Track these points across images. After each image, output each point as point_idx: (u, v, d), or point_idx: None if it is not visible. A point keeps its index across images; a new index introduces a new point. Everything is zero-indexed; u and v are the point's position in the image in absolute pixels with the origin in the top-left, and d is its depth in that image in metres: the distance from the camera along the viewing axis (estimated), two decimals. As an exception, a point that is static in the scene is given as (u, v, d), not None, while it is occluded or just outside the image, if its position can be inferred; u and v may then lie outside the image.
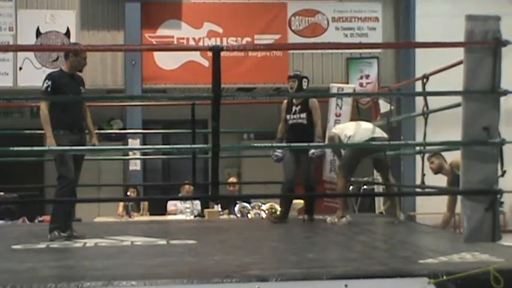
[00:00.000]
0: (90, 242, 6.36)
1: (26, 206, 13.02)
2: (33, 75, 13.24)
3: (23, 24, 13.76)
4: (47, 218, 9.28)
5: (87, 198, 11.85)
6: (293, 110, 8.34)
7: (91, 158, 9.54)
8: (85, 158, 7.15)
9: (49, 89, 6.73)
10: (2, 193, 12.45)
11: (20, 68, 13.58)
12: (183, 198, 12.94)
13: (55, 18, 13.86)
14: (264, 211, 11.12)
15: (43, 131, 6.72)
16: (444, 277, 4.17)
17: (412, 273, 4.28)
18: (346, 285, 4.12)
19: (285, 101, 8.58)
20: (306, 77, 8.51)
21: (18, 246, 6.21)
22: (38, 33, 13.74)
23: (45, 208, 13.49)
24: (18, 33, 13.71)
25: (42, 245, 6.23)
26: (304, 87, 8.41)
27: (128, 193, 12.31)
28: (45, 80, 6.81)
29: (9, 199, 12.60)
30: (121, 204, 12.02)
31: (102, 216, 12.27)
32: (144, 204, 12.37)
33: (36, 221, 11.49)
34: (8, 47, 13.19)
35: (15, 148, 6.10)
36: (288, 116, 8.36)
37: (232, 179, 12.92)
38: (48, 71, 13.49)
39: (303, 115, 8.22)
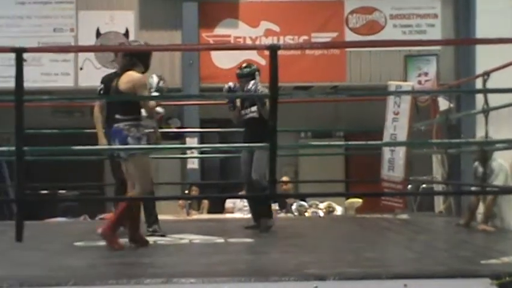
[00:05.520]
0: (149, 240, 6.43)
1: (87, 204, 13.21)
2: (93, 75, 13.39)
3: (83, 25, 13.95)
4: (108, 216, 9.40)
5: (146, 197, 11.95)
6: (245, 104, 7.63)
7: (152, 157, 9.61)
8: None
9: (101, 92, 6.94)
10: (63, 191, 12.68)
11: (81, 68, 13.78)
12: (241, 197, 12.95)
13: (114, 19, 14.03)
14: (322, 209, 11.09)
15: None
16: (507, 278, 4.10)
17: (474, 274, 4.23)
18: (405, 285, 4.08)
19: None
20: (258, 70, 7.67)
21: (79, 243, 6.32)
22: (98, 33, 13.93)
23: (105, 206, 13.67)
24: (79, 34, 13.92)
25: (103, 242, 6.32)
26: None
27: (187, 191, 12.35)
28: (100, 83, 7.04)
29: (71, 197, 12.81)
30: (180, 202, 12.09)
31: (160, 214, 12.34)
32: (204, 203, 12.42)
33: (97, 218, 11.64)
34: (69, 48, 13.40)
35: (76, 147, 6.21)
36: (242, 112, 7.67)
37: (285, 178, 12.87)
38: (108, 71, 13.74)
39: (253, 108, 7.48)
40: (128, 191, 6.20)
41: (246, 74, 7.58)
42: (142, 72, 6.00)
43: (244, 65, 7.74)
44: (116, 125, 5.91)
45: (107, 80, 7.00)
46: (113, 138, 5.97)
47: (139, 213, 6.34)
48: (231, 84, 7.52)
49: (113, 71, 7.25)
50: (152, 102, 5.96)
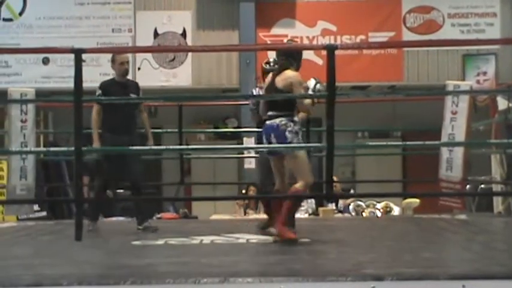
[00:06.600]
0: (206, 239, 6.47)
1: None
2: (151, 75, 13.55)
3: (141, 25, 14.11)
4: (165, 215, 9.52)
5: (203, 197, 12.08)
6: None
7: (206, 157, 9.64)
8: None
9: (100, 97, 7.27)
10: (121, 190, 12.80)
11: (139, 68, 13.92)
12: (297, 197, 12.94)
13: (172, 19, 14.16)
14: (379, 209, 11.03)
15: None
16: None
17: (535, 275, 4.16)
18: (463, 286, 4.03)
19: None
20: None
21: (137, 242, 6.38)
22: (156, 34, 14.07)
23: (162, 205, 13.80)
24: (137, 34, 14.08)
25: (161, 242, 6.38)
26: None
27: (245, 191, 12.38)
28: (98, 88, 7.29)
29: (129, 196, 12.91)
30: (238, 201, 12.12)
31: (218, 213, 12.44)
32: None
33: (154, 218, 11.75)
34: (127, 49, 13.53)
35: (134, 147, 6.32)
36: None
37: (334, 178, 12.69)
38: (166, 71, 13.91)
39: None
40: (277, 187, 6.64)
41: (271, 70, 7.53)
42: (296, 70, 6.28)
43: (271, 59, 7.70)
44: (270, 122, 6.15)
45: (105, 86, 7.29)
46: (268, 134, 6.17)
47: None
48: (253, 90, 7.69)
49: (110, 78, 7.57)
50: (307, 100, 6.17)
